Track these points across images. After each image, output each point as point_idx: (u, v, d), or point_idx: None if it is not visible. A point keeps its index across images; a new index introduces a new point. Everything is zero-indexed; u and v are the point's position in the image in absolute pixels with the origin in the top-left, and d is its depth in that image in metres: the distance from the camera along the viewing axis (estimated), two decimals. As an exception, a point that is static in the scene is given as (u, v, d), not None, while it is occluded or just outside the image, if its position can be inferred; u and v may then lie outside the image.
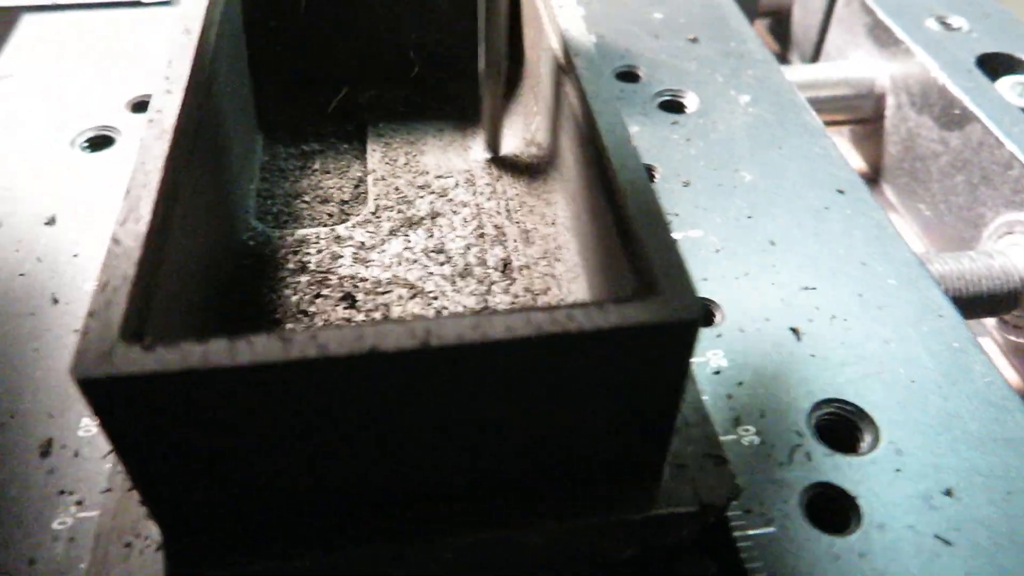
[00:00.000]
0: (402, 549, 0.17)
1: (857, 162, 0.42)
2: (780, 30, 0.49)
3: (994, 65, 0.35)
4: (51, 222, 0.27)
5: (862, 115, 0.40)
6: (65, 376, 0.22)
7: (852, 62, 0.40)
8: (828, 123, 0.40)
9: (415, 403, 0.15)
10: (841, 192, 0.29)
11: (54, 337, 0.23)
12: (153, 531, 0.17)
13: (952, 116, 0.34)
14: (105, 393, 0.14)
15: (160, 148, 0.18)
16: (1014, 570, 0.19)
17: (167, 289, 0.17)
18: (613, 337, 0.15)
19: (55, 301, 0.24)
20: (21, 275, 0.25)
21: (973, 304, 0.28)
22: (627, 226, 0.17)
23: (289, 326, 0.22)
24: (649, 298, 0.15)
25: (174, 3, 0.39)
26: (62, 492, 0.20)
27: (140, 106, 0.32)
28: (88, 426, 0.21)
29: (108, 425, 0.14)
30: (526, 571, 0.19)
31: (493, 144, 0.27)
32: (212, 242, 0.21)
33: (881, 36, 0.39)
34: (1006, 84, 0.34)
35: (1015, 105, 0.33)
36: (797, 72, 0.40)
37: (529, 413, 0.16)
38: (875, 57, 0.39)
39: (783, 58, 0.49)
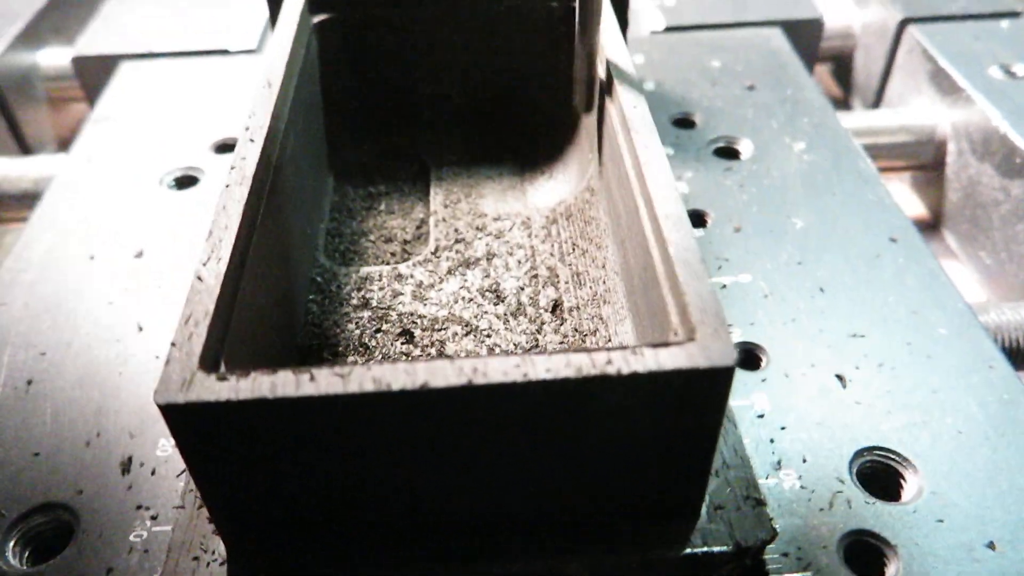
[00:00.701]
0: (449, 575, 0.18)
1: (918, 208, 0.42)
2: (842, 75, 0.49)
3: (1058, 114, 0.35)
4: (139, 255, 0.29)
5: (923, 161, 0.40)
6: (146, 399, 0.24)
7: (913, 108, 0.40)
8: (888, 169, 0.40)
9: (463, 436, 0.16)
10: (894, 240, 0.29)
11: (138, 363, 0.25)
12: (219, 547, 0.18)
13: (1013, 164, 0.34)
14: (184, 417, 0.15)
15: (240, 193, 0.20)
16: (1059, 627, 0.19)
17: (242, 322, 0.18)
18: (649, 381, 0.15)
19: (140, 329, 0.26)
20: (110, 304, 0.27)
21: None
22: (669, 273, 0.18)
23: (351, 359, 0.24)
24: (686, 344, 0.16)
25: (258, 52, 0.41)
26: (139, 507, 0.21)
27: (223, 148, 0.34)
28: (164, 446, 0.23)
29: (184, 446, 0.16)
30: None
31: (586, 101, 0.27)
32: (283, 278, 0.23)
33: (943, 83, 0.39)
34: (1071, 133, 0.34)
35: (1079, 155, 0.33)
36: (857, 118, 0.40)
37: (570, 450, 0.17)
38: (936, 104, 0.39)
39: (845, 103, 0.49)
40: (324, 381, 0.15)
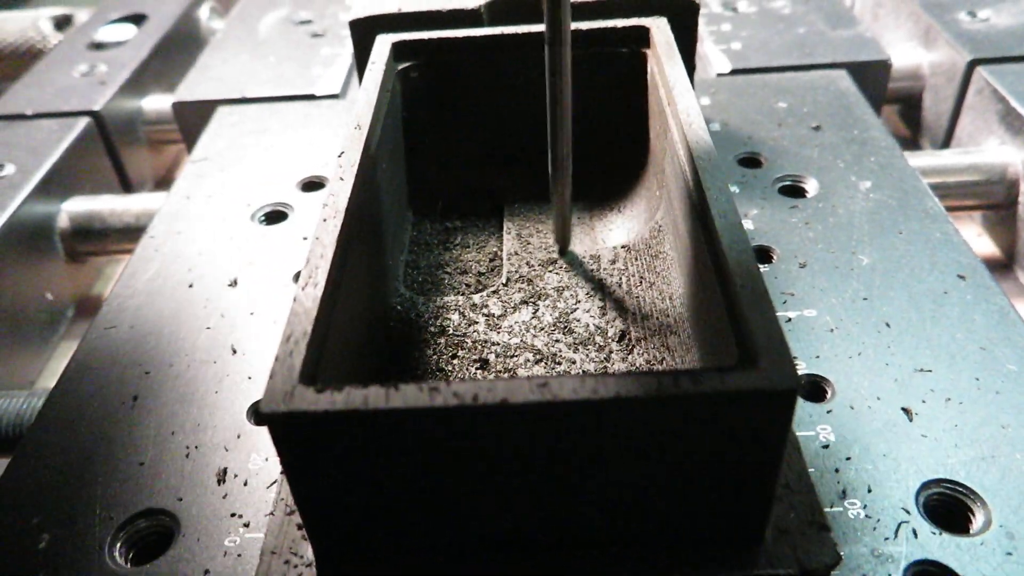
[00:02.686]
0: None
1: (990, 248, 0.41)
2: (911, 116, 0.49)
3: None
4: (233, 284, 0.31)
5: (995, 201, 0.39)
6: (240, 416, 0.26)
7: (983, 148, 0.40)
8: (959, 208, 0.40)
9: (537, 451, 0.17)
10: (962, 277, 0.29)
11: (232, 382, 0.27)
12: (308, 552, 0.20)
13: (1087, 204, 0.34)
14: (285, 425, 0.17)
15: (334, 225, 0.21)
16: None
17: (335, 342, 0.20)
18: (714, 402, 0.16)
19: (234, 351, 0.28)
20: (207, 328, 0.29)
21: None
22: (733, 303, 0.19)
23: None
24: (750, 369, 0.17)
25: (341, 96, 0.44)
26: (233, 515, 0.23)
27: (309, 186, 0.37)
28: (256, 460, 0.24)
29: (283, 452, 0.17)
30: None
31: (562, 241, 0.29)
32: (369, 305, 0.25)
33: (1014, 123, 0.39)
34: None
35: None
36: (928, 158, 0.40)
37: (637, 472, 0.18)
38: (1007, 143, 0.39)
39: (914, 143, 0.49)
40: (412, 396, 0.17)
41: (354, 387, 0.17)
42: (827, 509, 0.22)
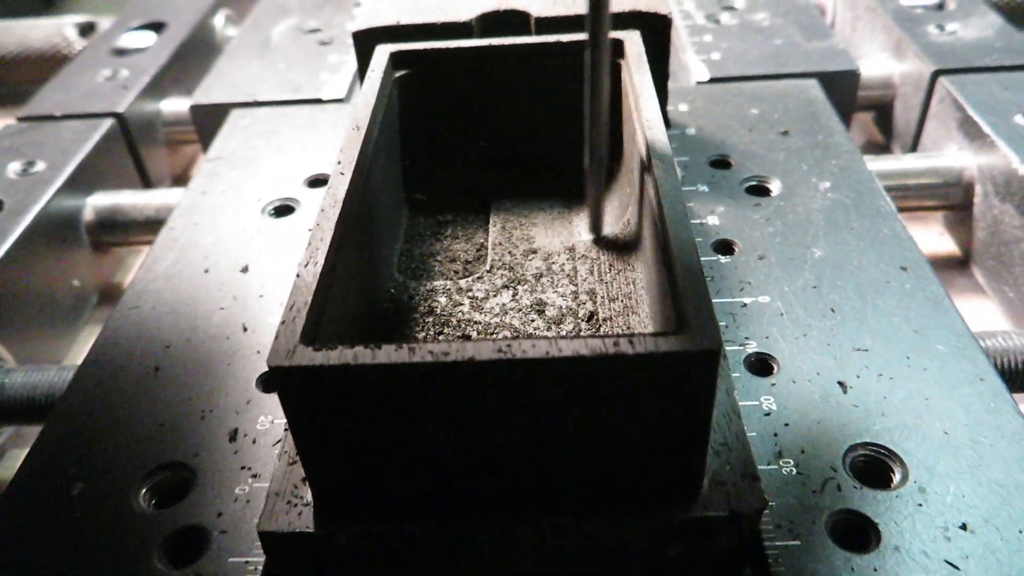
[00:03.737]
0: (495, 531, 0.22)
1: (950, 246, 0.44)
2: (884, 122, 0.52)
3: (1077, 158, 0.38)
4: (245, 270, 0.34)
5: (953, 202, 0.42)
6: (250, 385, 0.29)
7: (943, 153, 0.43)
8: (922, 208, 0.43)
9: (501, 405, 0.20)
10: (904, 269, 0.32)
11: (243, 356, 0.30)
12: (307, 494, 0.23)
13: (1030, 205, 0.36)
14: (288, 378, 0.20)
15: (333, 213, 0.25)
16: (1019, 598, 0.21)
17: (331, 314, 0.23)
18: (650, 361, 0.19)
19: (245, 329, 0.31)
20: (221, 309, 0.32)
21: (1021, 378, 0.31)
22: (673, 282, 0.22)
23: (417, 355, 0.28)
24: (680, 334, 0.20)
25: (346, 101, 0.47)
26: (243, 467, 0.26)
27: (315, 182, 0.40)
28: (263, 422, 0.28)
29: (285, 401, 0.20)
30: (583, 559, 0.23)
31: (595, 227, 0.32)
32: (364, 287, 0.28)
33: (970, 130, 0.41)
34: (1085, 176, 0.36)
35: (1091, 195, 0.35)
36: (892, 162, 0.43)
37: (589, 424, 0.21)
38: (965, 149, 0.42)
39: (887, 148, 0.52)
40: (393, 353, 0.20)
41: (345, 346, 0.20)
42: (763, 467, 0.25)
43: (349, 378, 0.20)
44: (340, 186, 0.26)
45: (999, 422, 0.26)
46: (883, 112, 0.51)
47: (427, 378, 0.20)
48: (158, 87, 0.52)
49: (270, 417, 0.28)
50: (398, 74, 0.34)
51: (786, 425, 0.26)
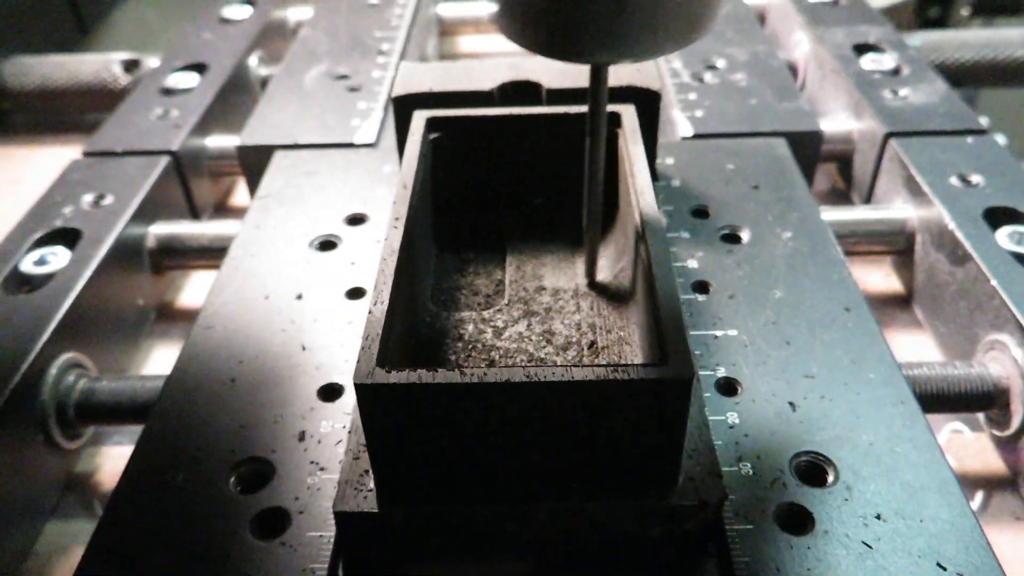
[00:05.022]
0: (516, 510, 0.29)
1: (896, 285, 0.51)
2: (845, 172, 0.59)
3: (998, 216, 0.45)
4: (299, 297, 0.41)
5: (898, 248, 0.49)
6: (312, 395, 0.35)
7: (892, 206, 0.50)
8: (872, 253, 0.50)
9: (528, 415, 0.27)
10: (847, 309, 0.39)
11: (304, 371, 0.37)
12: (370, 483, 0.29)
13: (957, 255, 0.44)
14: (367, 392, 0.26)
15: (392, 261, 0.31)
16: (916, 572, 0.28)
17: (392, 341, 0.29)
18: (638, 385, 0.26)
19: (303, 348, 0.38)
20: (283, 331, 0.39)
21: (940, 400, 0.38)
22: (659, 323, 0.28)
23: (450, 374, 0.34)
24: (663, 365, 0.26)
25: (375, 145, 0.54)
26: (312, 462, 0.32)
27: (353, 220, 0.46)
28: (325, 425, 0.34)
29: (363, 410, 0.27)
30: (586, 536, 0.30)
31: (590, 275, 0.39)
32: (409, 316, 0.34)
33: (913, 187, 0.49)
34: (1003, 233, 0.43)
35: (1005, 250, 0.42)
36: (845, 212, 0.50)
37: (592, 432, 0.28)
38: (909, 203, 0.49)
39: (846, 194, 0.59)
40: (449, 375, 0.26)
41: (411, 369, 0.27)
42: (726, 468, 0.32)
43: (413, 393, 0.27)
44: (395, 238, 0.33)
45: (913, 435, 0.33)
46: (844, 163, 0.59)
47: (472, 394, 0.27)
48: (204, 125, 0.58)
49: (330, 422, 0.34)
50: (432, 136, 0.41)
51: (746, 435, 0.33)
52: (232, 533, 0.30)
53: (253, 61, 0.68)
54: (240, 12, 0.73)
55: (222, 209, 0.62)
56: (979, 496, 0.40)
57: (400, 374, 0.26)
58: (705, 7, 0.27)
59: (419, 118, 0.40)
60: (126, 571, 0.29)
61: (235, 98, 0.64)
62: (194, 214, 0.57)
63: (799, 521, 0.30)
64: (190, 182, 0.55)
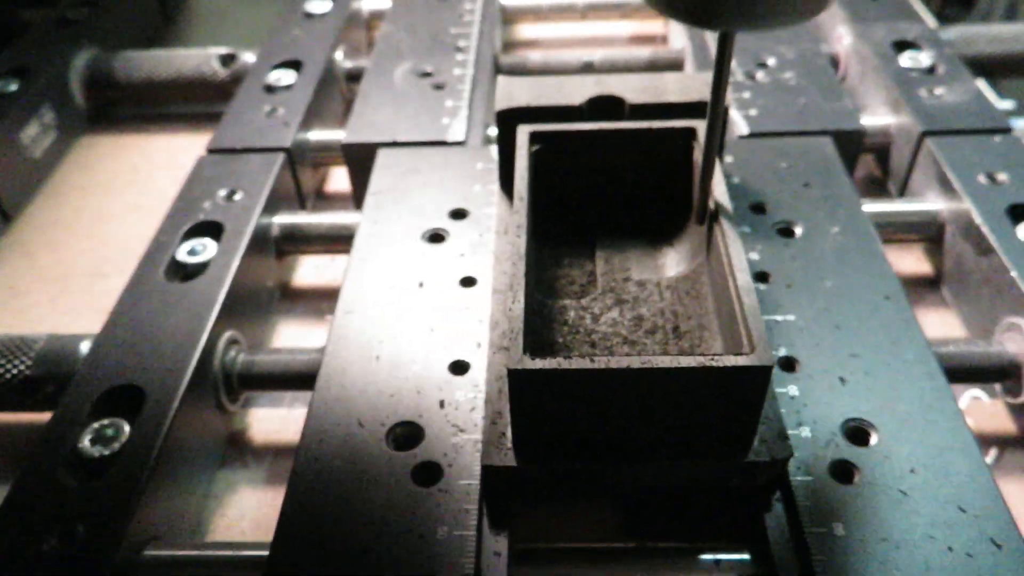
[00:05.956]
0: (615, 464, 0.37)
1: (927, 268, 0.58)
2: (883, 162, 0.65)
3: (1020, 212, 0.51)
4: (421, 285, 0.48)
5: (930, 236, 0.56)
6: (444, 370, 0.43)
7: (925, 199, 0.57)
8: (907, 240, 0.57)
9: (642, 395, 0.35)
10: (887, 298, 0.46)
11: (434, 350, 0.44)
12: (508, 443, 0.37)
13: (982, 247, 0.50)
14: (518, 375, 0.34)
15: (521, 265, 0.39)
16: (942, 514, 0.36)
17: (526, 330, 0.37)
18: (729, 372, 0.33)
19: (431, 330, 0.45)
20: (411, 314, 0.46)
21: (963, 373, 0.45)
22: (743, 317, 0.36)
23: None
24: (749, 354, 0.34)
25: (465, 143, 0.61)
26: (453, 425, 0.40)
27: (456, 215, 0.53)
28: (459, 395, 0.42)
29: (512, 389, 0.35)
30: (682, 486, 0.37)
31: (702, 212, 0.44)
32: (528, 305, 0.42)
33: (945, 183, 0.55)
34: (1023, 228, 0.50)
35: (1024, 243, 0.49)
36: (884, 205, 0.57)
37: (691, 407, 0.35)
38: (940, 196, 0.56)
39: (883, 183, 0.65)
40: (580, 361, 0.34)
41: (551, 357, 0.34)
42: (790, 431, 0.39)
43: (553, 376, 0.34)
44: (521, 243, 0.40)
45: (941, 405, 0.40)
46: (882, 154, 0.65)
47: (599, 377, 0.34)
48: (306, 121, 0.65)
49: (463, 392, 0.42)
50: (533, 148, 0.47)
51: (805, 405, 0.40)
52: (397, 482, 0.38)
53: (339, 55, 0.75)
54: (321, 6, 0.80)
55: (322, 196, 0.69)
56: (993, 452, 0.48)
57: (543, 361, 0.34)
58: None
59: (523, 132, 0.47)
60: (317, 512, 0.38)
61: (327, 91, 0.71)
62: (301, 202, 0.64)
63: (848, 474, 0.38)
64: (299, 174, 0.63)
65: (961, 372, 0.45)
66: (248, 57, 0.75)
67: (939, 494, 0.37)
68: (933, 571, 0.34)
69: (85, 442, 0.40)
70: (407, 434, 0.41)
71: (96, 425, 0.41)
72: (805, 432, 0.39)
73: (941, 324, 0.54)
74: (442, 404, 0.42)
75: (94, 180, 0.71)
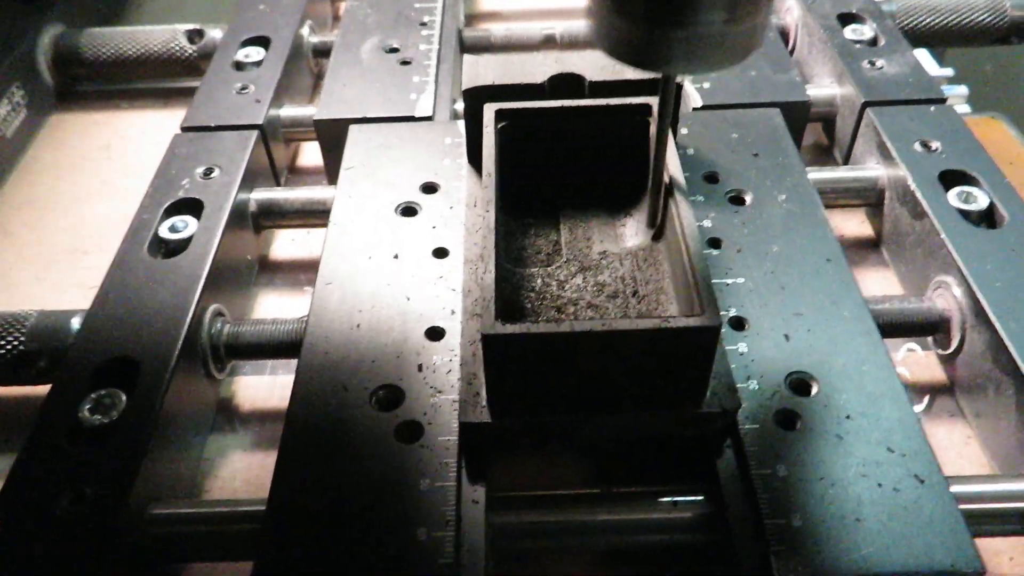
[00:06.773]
0: (581, 417, 0.40)
1: (868, 231, 0.62)
2: (828, 131, 0.69)
3: (951, 178, 0.56)
4: (396, 257, 0.51)
5: (871, 201, 0.60)
6: (421, 336, 0.46)
7: (867, 166, 0.61)
8: (850, 205, 0.61)
9: (603, 354, 0.38)
10: (829, 260, 0.50)
11: (411, 318, 0.47)
12: (483, 401, 0.41)
13: (916, 211, 0.54)
14: (491, 340, 0.37)
15: (491, 237, 0.42)
16: (873, 454, 0.40)
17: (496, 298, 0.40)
18: (682, 332, 0.37)
19: (408, 299, 0.48)
20: (387, 285, 0.49)
21: (898, 328, 0.49)
22: (695, 282, 0.39)
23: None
24: (698, 315, 0.37)
25: (432, 118, 0.63)
26: (431, 387, 0.44)
27: (427, 188, 0.56)
28: (436, 359, 0.45)
29: (486, 352, 0.38)
30: (641, 436, 0.41)
31: (652, 225, 0.48)
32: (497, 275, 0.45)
33: (884, 151, 0.59)
34: (953, 193, 0.54)
35: (954, 207, 0.53)
36: (829, 172, 0.60)
37: (646, 364, 0.39)
38: (880, 163, 0.60)
39: (829, 150, 0.69)
40: (548, 327, 0.37)
41: (520, 323, 0.37)
42: (739, 384, 0.43)
43: (523, 339, 0.37)
44: (490, 217, 0.43)
45: (874, 358, 0.44)
46: (828, 124, 0.69)
47: (565, 339, 0.37)
48: (277, 97, 0.67)
49: (440, 356, 0.45)
50: (499, 125, 0.50)
51: (752, 360, 0.44)
52: (381, 440, 0.42)
53: (305, 31, 0.76)
54: (286, -19, 0.81)
55: (294, 171, 0.71)
56: (925, 399, 0.52)
57: (514, 326, 0.37)
58: (756, 35, 0.34)
59: (489, 111, 0.50)
60: (309, 469, 0.41)
61: (294, 67, 0.72)
62: (276, 177, 0.66)
63: (791, 421, 0.42)
64: (272, 150, 0.65)
65: (896, 327, 0.49)
66: (215, 33, 0.76)
67: (871, 437, 0.41)
68: (864, 505, 0.39)
69: (85, 411, 0.42)
70: (389, 396, 0.44)
71: (95, 395, 0.43)
72: (753, 385, 0.43)
73: (881, 282, 0.59)
74: (420, 368, 0.45)
75: (67, 158, 0.72)
